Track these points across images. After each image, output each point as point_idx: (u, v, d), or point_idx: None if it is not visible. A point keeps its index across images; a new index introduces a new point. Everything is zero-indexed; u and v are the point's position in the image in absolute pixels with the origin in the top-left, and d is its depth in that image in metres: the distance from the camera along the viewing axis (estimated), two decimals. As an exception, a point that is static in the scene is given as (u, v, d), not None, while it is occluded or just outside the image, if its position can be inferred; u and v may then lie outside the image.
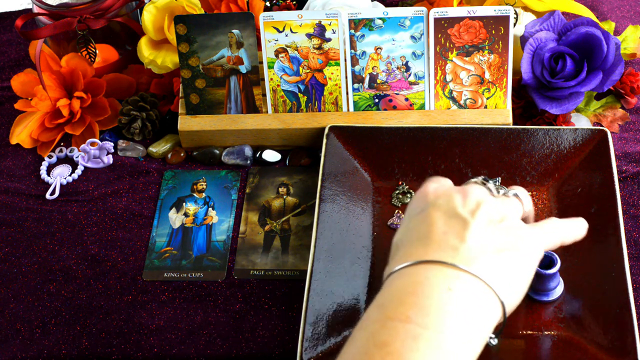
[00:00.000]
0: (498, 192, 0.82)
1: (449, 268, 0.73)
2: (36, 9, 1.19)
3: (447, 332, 0.69)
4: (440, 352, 0.68)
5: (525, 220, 0.84)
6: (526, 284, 0.77)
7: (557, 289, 0.92)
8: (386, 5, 1.25)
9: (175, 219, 1.07)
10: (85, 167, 1.14)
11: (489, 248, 0.75)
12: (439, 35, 1.07)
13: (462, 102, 1.10)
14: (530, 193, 1.02)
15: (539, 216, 1.01)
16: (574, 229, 0.84)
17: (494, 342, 0.75)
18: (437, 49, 1.07)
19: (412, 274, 0.73)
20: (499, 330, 0.75)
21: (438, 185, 0.81)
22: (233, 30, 1.09)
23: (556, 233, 0.82)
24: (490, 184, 0.82)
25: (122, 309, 0.98)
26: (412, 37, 1.07)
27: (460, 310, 0.71)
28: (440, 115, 1.09)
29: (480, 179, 0.83)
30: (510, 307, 0.75)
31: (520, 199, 0.82)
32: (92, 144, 1.14)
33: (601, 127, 1.05)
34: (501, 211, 0.78)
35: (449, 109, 1.10)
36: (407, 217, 0.80)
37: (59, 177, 1.13)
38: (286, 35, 1.08)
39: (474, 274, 0.72)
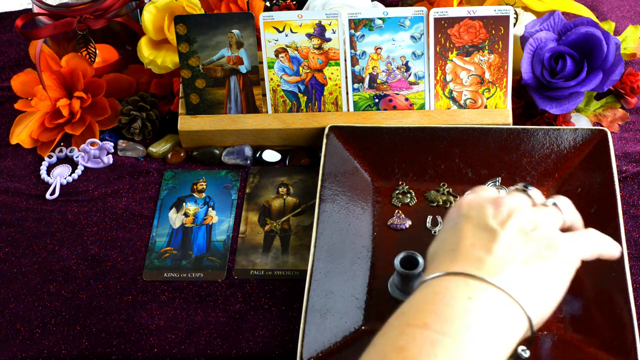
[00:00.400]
0: (538, 199, 0.80)
1: (473, 279, 0.73)
2: (36, 9, 1.19)
3: (465, 340, 0.69)
4: (457, 359, 0.68)
5: (569, 229, 0.82)
6: (558, 295, 0.76)
7: None
8: (386, 5, 1.25)
9: (175, 219, 1.07)
10: (85, 167, 1.14)
11: (516, 259, 0.74)
12: (439, 35, 1.07)
13: (462, 102, 1.10)
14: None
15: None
16: (611, 244, 0.82)
17: (525, 354, 0.74)
18: (437, 49, 1.07)
19: (434, 285, 0.73)
20: (528, 342, 0.74)
21: (474, 196, 0.81)
22: (233, 30, 1.09)
23: (594, 244, 0.80)
24: (532, 191, 0.81)
25: (122, 309, 0.98)
26: (412, 37, 1.07)
27: (480, 320, 0.70)
28: (440, 115, 1.09)
29: (521, 185, 0.82)
30: (539, 319, 0.74)
31: (560, 208, 0.81)
32: (92, 144, 1.14)
33: (601, 127, 1.05)
34: (535, 220, 0.77)
35: (449, 109, 1.10)
36: (442, 229, 0.81)
37: (59, 177, 1.12)
38: (286, 35, 1.08)
39: (498, 285, 0.72)
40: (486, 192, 0.82)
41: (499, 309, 0.72)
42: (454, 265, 0.74)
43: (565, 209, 0.81)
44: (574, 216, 0.83)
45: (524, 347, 0.74)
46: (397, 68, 1.09)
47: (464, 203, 0.80)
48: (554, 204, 0.81)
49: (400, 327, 0.71)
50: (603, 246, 0.81)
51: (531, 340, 0.74)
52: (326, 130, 1.07)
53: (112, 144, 1.15)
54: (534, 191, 0.81)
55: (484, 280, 0.72)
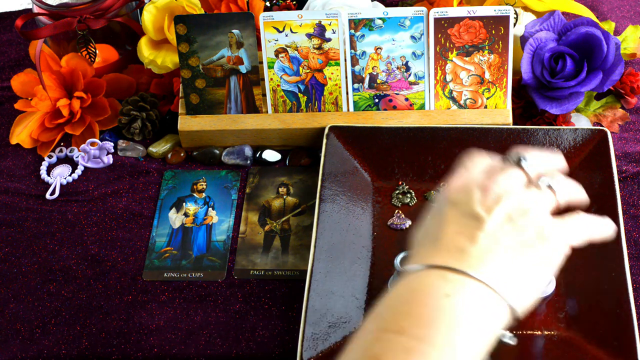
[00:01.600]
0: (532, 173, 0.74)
1: (453, 273, 0.69)
2: (36, 9, 1.19)
3: (441, 344, 0.66)
4: None
5: (568, 209, 0.76)
6: (543, 284, 0.72)
7: (549, 286, 0.91)
8: (386, 5, 1.25)
9: (175, 219, 1.07)
10: (85, 167, 1.14)
11: (501, 248, 0.71)
12: (439, 35, 1.07)
13: (462, 102, 1.10)
14: None
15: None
16: (602, 226, 0.77)
17: (512, 342, 0.70)
18: (437, 49, 1.07)
19: (413, 280, 0.70)
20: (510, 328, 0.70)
21: (462, 179, 0.75)
22: (233, 30, 1.09)
23: (583, 229, 0.75)
24: (527, 162, 0.74)
25: (122, 309, 0.98)
26: (412, 37, 1.07)
27: (458, 320, 0.67)
28: (440, 115, 1.09)
29: (515, 157, 0.75)
30: (522, 309, 0.70)
31: (554, 190, 0.75)
32: (92, 144, 1.14)
33: (601, 127, 1.05)
34: (525, 205, 0.73)
35: (449, 109, 1.10)
36: (429, 214, 0.76)
37: (59, 177, 1.12)
38: (286, 35, 1.08)
39: (479, 278, 0.69)
40: (478, 167, 0.76)
41: (479, 303, 0.69)
42: (436, 256, 0.71)
43: (560, 190, 0.76)
44: (571, 195, 0.77)
45: (510, 334, 0.70)
46: (397, 68, 1.09)
47: (452, 187, 0.75)
48: (549, 186, 0.75)
49: (375, 332, 0.68)
50: (593, 230, 0.77)
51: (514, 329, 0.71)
52: (326, 130, 1.07)
53: (112, 144, 1.15)
54: (531, 162, 0.75)
55: (464, 273, 0.69)
